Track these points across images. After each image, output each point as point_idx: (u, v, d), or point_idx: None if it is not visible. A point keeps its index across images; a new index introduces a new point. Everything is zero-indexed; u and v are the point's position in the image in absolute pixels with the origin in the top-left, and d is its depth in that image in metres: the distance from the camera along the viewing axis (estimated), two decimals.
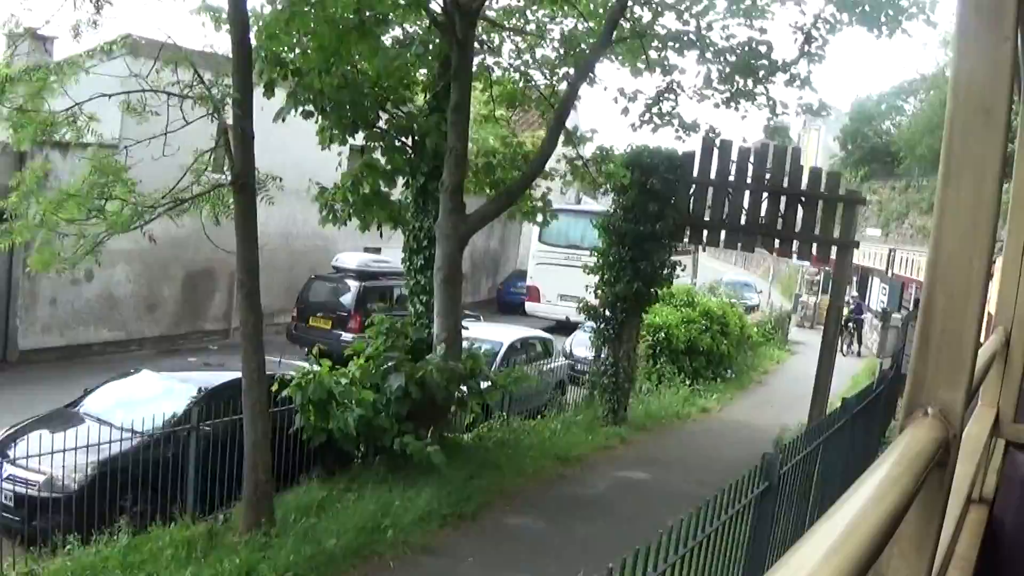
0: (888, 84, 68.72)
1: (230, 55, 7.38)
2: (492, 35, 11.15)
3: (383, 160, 10.47)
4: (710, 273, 36.81)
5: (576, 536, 8.26)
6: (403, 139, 10.27)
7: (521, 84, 11.16)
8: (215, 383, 9.11)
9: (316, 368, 9.04)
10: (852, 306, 24.09)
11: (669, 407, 13.62)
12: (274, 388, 8.66)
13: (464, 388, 10.13)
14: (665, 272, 12.45)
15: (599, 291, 12.54)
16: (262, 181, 8.45)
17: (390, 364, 9.39)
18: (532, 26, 10.71)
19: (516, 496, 9.22)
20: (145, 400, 8.82)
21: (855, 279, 28.98)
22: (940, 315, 1.05)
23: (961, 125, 1.04)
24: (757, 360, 19.48)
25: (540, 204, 10.62)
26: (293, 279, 20.28)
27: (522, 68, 11.05)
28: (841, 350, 23.83)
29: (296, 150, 12.70)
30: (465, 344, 10.68)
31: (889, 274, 22.17)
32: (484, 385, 10.39)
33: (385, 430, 9.11)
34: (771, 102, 10.30)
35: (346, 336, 14.86)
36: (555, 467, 10.19)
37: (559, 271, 20.94)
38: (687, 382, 15.17)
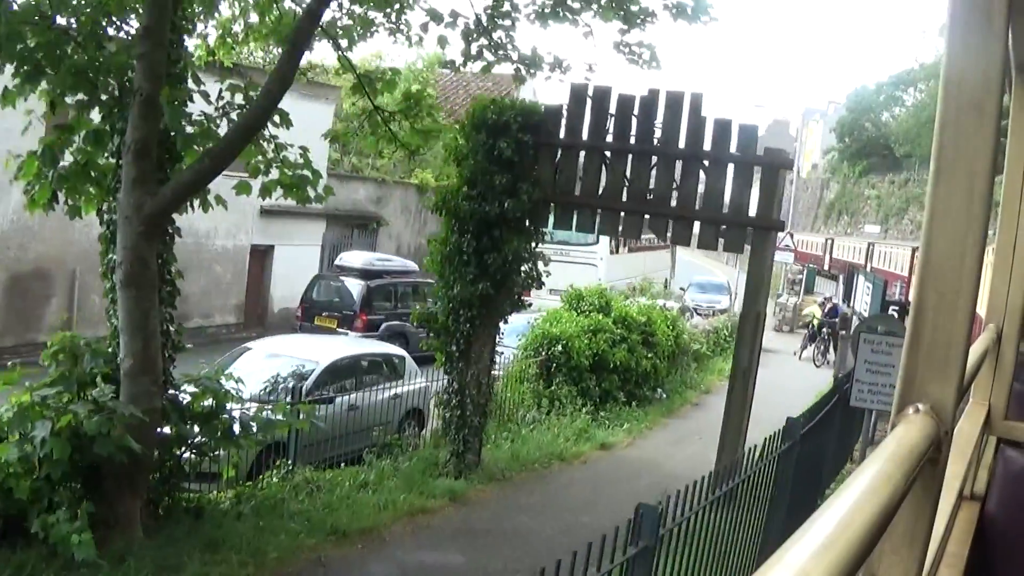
0: (886, 74, 65.51)
1: None
2: None
3: (99, 118, 7.47)
4: (692, 271, 33.66)
5: None
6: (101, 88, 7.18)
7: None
8: None
9: None
10: (826, 309, 20.71)
11: (551, 445, 10.38)
12: None
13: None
14: (525, 268, 9.28)
15: (436, 295, 9.40)
16: None
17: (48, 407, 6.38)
18: None
19: None
20: None
21: (841, 276, 25.69)
22: (931, 312, 1.06)
23: (953, 123, 1.03)
24: (701, 375, 16.10)
25: (306, 174, 7.42)
26: None
27: None
28: (814, 361, 20.60)
29: None
30: (207, 369, 7.65)
31: (868, 268, 19.05)
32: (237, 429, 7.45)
33: (26, 503, 6.12)
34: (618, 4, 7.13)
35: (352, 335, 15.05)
36: (320, 547, 7.06)
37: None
38: (591, 408, 11.96)
